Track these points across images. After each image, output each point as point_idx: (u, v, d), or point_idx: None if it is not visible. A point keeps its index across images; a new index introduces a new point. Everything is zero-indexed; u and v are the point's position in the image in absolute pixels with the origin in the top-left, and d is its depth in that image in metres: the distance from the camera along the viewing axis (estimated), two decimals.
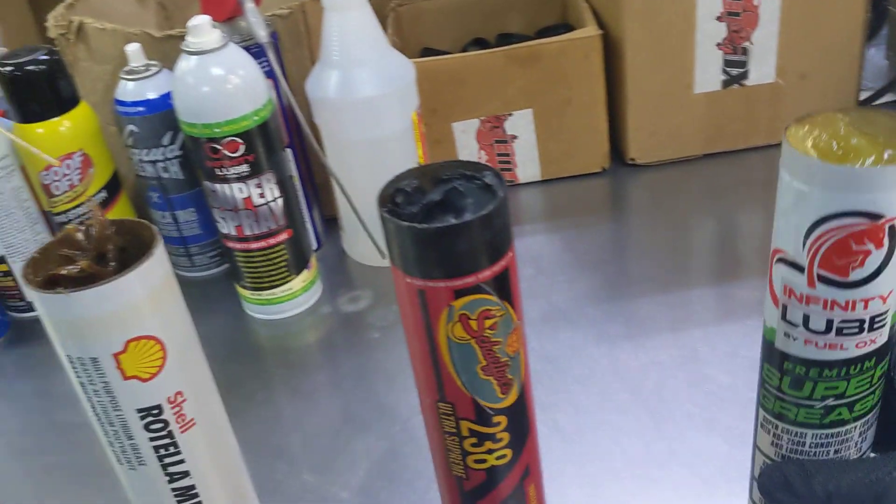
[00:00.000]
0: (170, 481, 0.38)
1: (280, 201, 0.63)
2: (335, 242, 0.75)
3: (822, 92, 0.77)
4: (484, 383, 0.35)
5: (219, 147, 0.60)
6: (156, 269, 0.35)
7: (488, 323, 0.33)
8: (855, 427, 0.34)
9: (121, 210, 0.70)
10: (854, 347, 0.31)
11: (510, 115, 0.76)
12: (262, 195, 0.62)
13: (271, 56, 0.64)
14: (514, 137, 0.77)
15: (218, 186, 0.61)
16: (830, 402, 0.33)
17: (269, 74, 0.65)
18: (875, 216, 0.28)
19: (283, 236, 0.64)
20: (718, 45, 0.74)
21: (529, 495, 0.40)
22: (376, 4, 0.65)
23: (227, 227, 0.63)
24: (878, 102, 0.81)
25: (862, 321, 0.31)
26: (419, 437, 0.53)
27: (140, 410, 0.36)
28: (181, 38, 0.60)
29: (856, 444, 0.34)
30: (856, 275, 0.30)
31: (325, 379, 0.62)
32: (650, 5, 0.71)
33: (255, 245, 0.64)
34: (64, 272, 0.35)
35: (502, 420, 0.36)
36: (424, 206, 0.34)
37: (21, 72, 0.63)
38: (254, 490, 0.45)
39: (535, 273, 0.68)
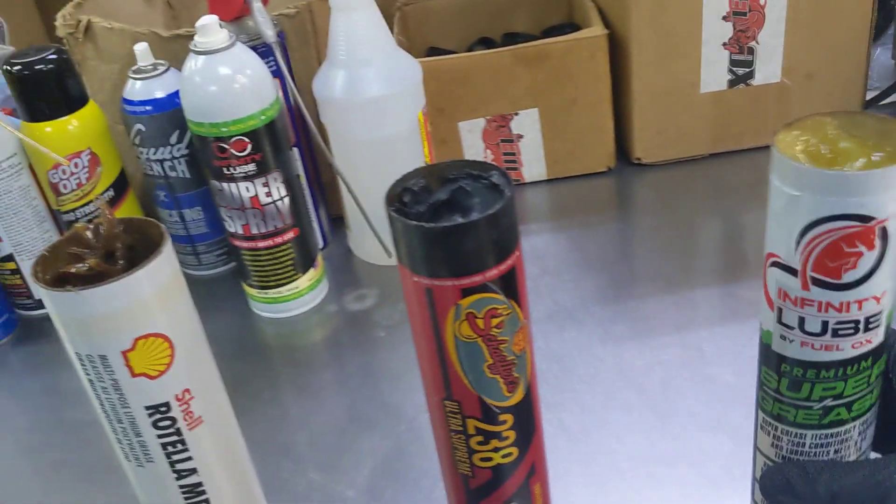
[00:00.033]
0: (177, 478, 0.39)
1: (287, 200, 0.63)
2: (341, 241, 0.76)
3: (829, 91, 0.76)
4: (490, 382, 0.35)
5: (226, 146, 0.60)
6: (164, 268, 0.35)
7: (495, 321, 0.34)
8: (854, 427, 0.34)
9: (128, 209, 0.71)
10: (850, 348, 0.32)
11: (516, 114, 0.76)
12: (268, 194, 0.62)
13: (278, 55, 0.64)
14: (520, 137, 0.77)
15: (225, 185, 0.62)
16: (829, 402, 0.33)
17: (277, 74, 0.65)
18: (866, 218, 0.29)
19: (290, 235, 0.65)
20: (725, 44, 0.74)
21: (535, 494, 0.40)
22: (382, 4, 0.65)
23: (233, 226, 0.64)
24: (884, 102, 0.81)
25: (857, 322, 0.31)
26: (425, 435, 0.53)
27: (148, 408, 0.36)
28: (189, 37, 0.60)
29: (855, 443, 0.34)
30: (849, 277, 0.30)
31: (331, 377, 0.63)
32: (656, 5, 0.71)
33: (261, 244, 0.64)
34: (73, 270, 0.35)
35: (508, 418, 0.36)
36: (431, 205, 0.34)
37: (30, 71, 0.64)
38: (260, 488, 0.45)
39: (541, 272, 0.68)
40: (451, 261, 0.32)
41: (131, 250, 0.37)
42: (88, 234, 0.37)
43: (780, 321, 0.32)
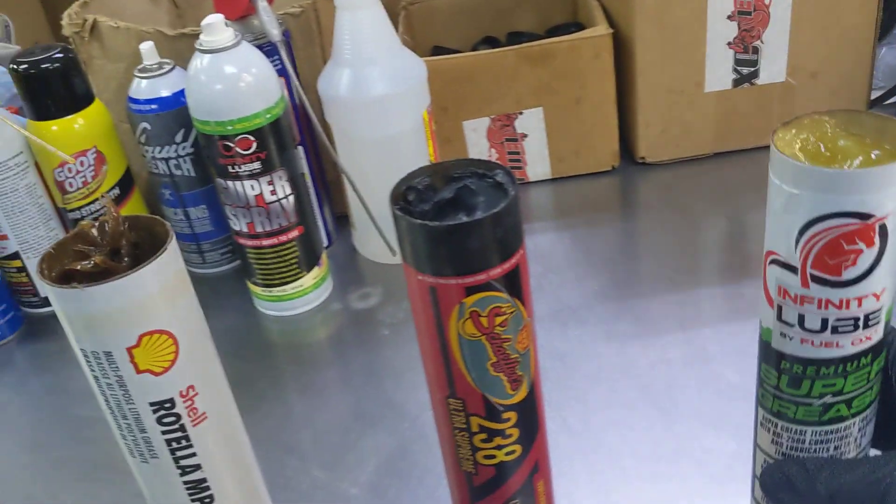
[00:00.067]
0: (182, 474, 0.39)
1: (291, 198, 0.63)
2: (346, 240, 0.76)
3: (834, 91, 0.76)
4: (494, 380, 0.35)
5: (231, 144, 0.60)
6: (169, 265, 0.35)
7: (499, 320, 0.34)
8: (854, 423, 0.34)
9: (133, 207, 0.71)
10: (850, 345, 0.32)
11: (521, 113, 0.76)
12: (273, 192, 0.62)
13: (283, 54, 0.64)
14: (525, 136, 0.77)
15: (230, 183, 0.62)
16: (828, 399, 0.33)
17: (282, 73, 0.65)
18: (865, 216, 0.29)
19: (295, 233, 0.65)
20: (729, 43, 0.74)
21: (538, 491, 0.40)
22: (387, 3, 0.65)
23: (238, 224, 0.64)
24: (889, 101, 0.81)
25: (857, 319, 0.31)
26: (428, 433, 0.54)
27: (153, 404, 0.36)
28: (194, 36, 0.61)
29: (855, 440, 0.34)
30: (848, 274, 0.30)
31: (335, 375, 0.63)
32: (661, 4, 0.71)
33: (266, 242, 0.64)
34: (78, 267, 0.36)
35: (512, 416, 0.36)
36: (436, 203, 0.34)
37: (36, 70, 0.64)
38: (264, 484, 0.45)
39: (545, 271, 0.68)
40: (455, 259, 0.32)
41: (136, 248, 0.37)
42: (94, 231, 0.37)
43: (779, 318, 0.32)
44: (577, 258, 0.70)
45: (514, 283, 0.33)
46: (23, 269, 0.70)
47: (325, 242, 0.73)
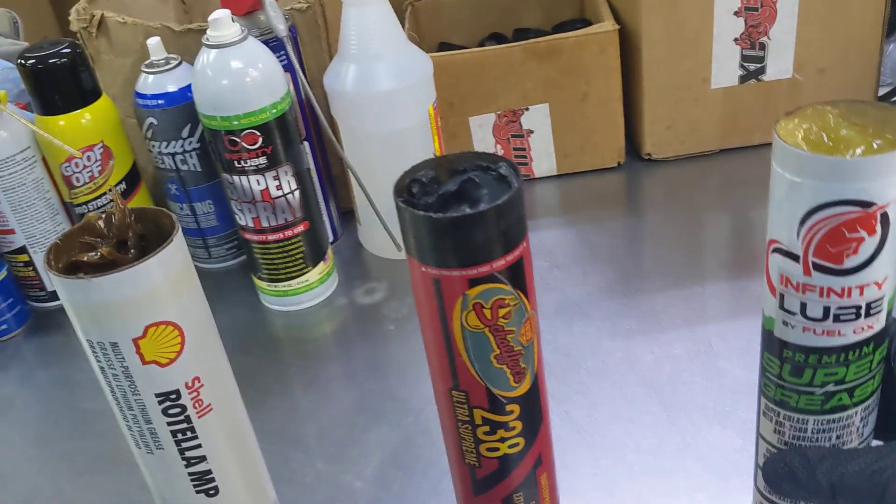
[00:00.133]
0: (187, 465, 0.39)
1: (297, 193, 0.64)
2: (351, 235, 0.76)
3: (841, 87, 0.76)
4: (497, 372, 0.35)
5: (237, 139, 0.60)
6: (175, 256, 0.35)
7: (502, 312, 0.34)
8: (856, 412, 0.34)
9: (140, 202, 0.71)
10: (852, 333, 0.32)
11: (526, 109, 0.76)
12: (279, 187, 0.62)
13: (290, 49, 0.65)
14: (531, 132, 0.77)
15: (236, 178, 0.62)
16: (830, 388, 0.33)
17: (288, 68, 0.65)
18: (867, 204, 0.29)
19: (300, 228, 0.65)
20: (736, 40, 0.73)
21: (541, 484, 0.40)
22: (394, 0, 0.65)
23: (244, 219, 0.64)
24: None
25: (858, 307, 0.31)
26: (432, 427, 0.54)
27: (158, 395, 0.37)
28: (201, 31, 0.61)
29: (857, 429, 0.35)
30: (850, 262, 0.30)
31: (340, 370, 0.63)
32: (668, 0, 0.71)
33: (272, 237, 0.64)
34: (85, 259, 0.36)
35: (515, 409, 0.36)
36: (440, 196, 0.34)
37: (43, 64, 0.64)
38: (269, 477, 0.46)
39: (550, 266, 0.68)
40: (458, 251, 0.32)
41: (143, 240, 0.38)
42: (101, 223, 0.37)
43: (781, 307, 0.33)
44: (583, 254, 0.70)
45: (518, 276, 0.34)
46: (30, 263, 0.70)
47: (330, 237, 0.74)
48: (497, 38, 0.86)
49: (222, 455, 0.40)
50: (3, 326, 0.70)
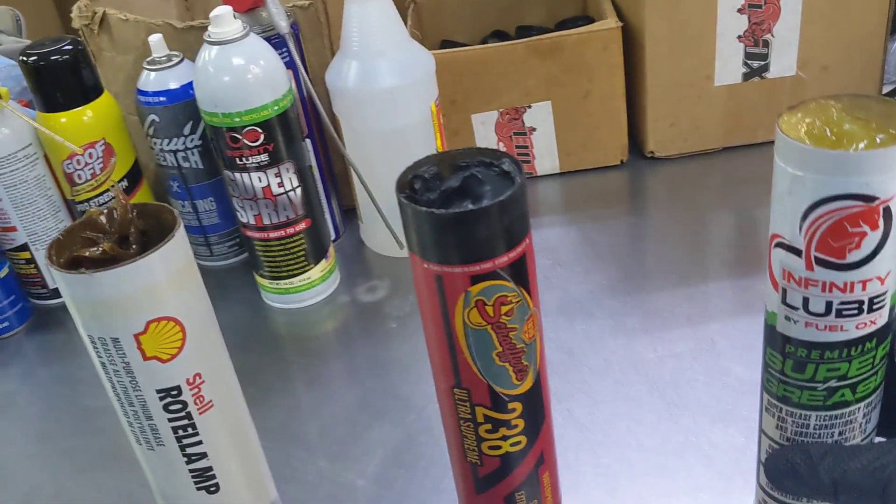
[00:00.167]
0: (187, 462, 0.39)
1: (299, 191, 0.64)
2: (353, 232, 0.76)
3: (844, 85, 0.76)
4: (499, 369, 0.35)
5: (239, 136, 0.60)
6: (176, 251, 0.35)
7: (504, 309, 0.34)
8: (858, 409, 0.34)
9: (141, 199, 0.71)
10: (854, 329, 0.32)
11: (529, 107, 0.76)
12: (280, 184, 0.62)
13: (292, 46, 0.64)
14: (533, 129, 0.77)
15: (237, 175, 0.62)
16: (833, 383, 0.33)
17: (290, 65, 0.65)
18: (869, 198, 0.29)
19: (302, 226, 0.65)
20: (739, 37, 0.73)
21: (544, 483, 0.40)
22: None
23: (246, 217, 0.64)
24: None
25: (861, 302, 0.31)
26: (434, 425, 0.53)
27: (159, 391, 0.37)
28: (203, 28, 0.61)
29: (860, 425, 0.34)
30: (853, 257, 0.30)
31: (341, 368, 0.63)
32: None
33: (273, 234, 0.64)
34: (87, 254, 0.36)
35: (517, 406, 0.36)
36: (443, 192, 0.34)
37: (45, 62, 0.64)
38: (270, 474, 0.45)
39: (553, 264, 0.68)
40: (461, 247, 0.32)
41: (145, 235, 0.37)
42: (102, 218, 0.37)
43: (784, 302, 0.32)
44: (585, 252, 0.69)
45: (521, 273, 0.33)
46: (31, 260, 0.70)
47: (332, 235, 0.73)
48: (499, 36, 0.86)
49: (223, 452, 0.40)
50: (5, 324, 0.70)
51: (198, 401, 0.37)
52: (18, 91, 0.75)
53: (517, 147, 0.78)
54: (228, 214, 0.71)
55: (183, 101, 0.66)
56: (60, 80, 0.65)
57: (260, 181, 0.62)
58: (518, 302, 0.34)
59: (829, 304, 0.31)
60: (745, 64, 0.75)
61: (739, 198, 0.74)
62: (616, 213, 0.75)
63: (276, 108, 0.60)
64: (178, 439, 0.38)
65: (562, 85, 0.75)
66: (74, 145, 0.64)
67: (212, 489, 0.40)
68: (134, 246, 0.37)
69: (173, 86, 0.66)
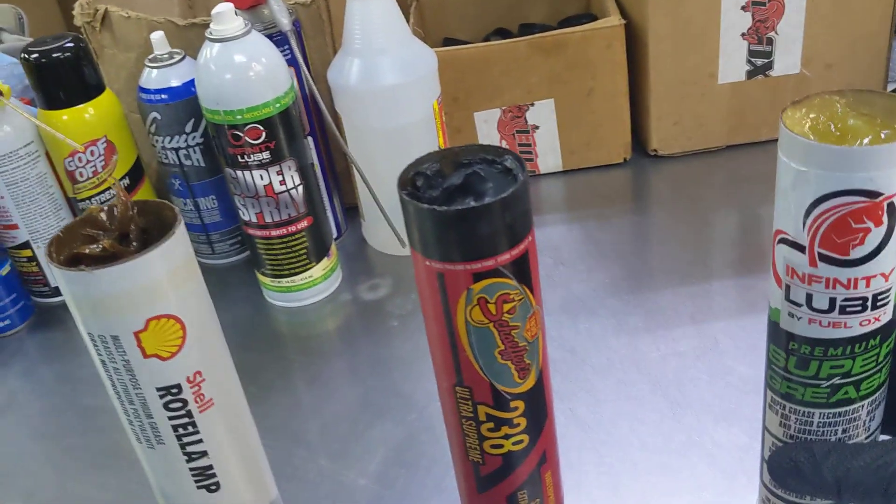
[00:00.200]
0: (188, 460, 0.39)
1: (301, 189, 0.63)
2: (355, 231, 0.76)
3: (848, 83, 0.75)
4: (502, 367, 0.35)
5: (240, 134, 0.60)
6: (177, 249, 0.35)
7: (507, 307, 0.33)
8: (862, 406, 0.34)
9: (143, 197, 0.71)
10: (858, 325, 0.31)
11: (532, 104, 0.76)
12: (282, 182, 0.62)
13: (293, 44, 0.64)
14: (536, 127, 0.77)
15: (239, 173, 0.62)
16: (837, 380, 0.33)
17: (292, 62, 0.65)
18: (873, 194, 0.29)
19: (304, 224, 0.65)
20: (743, 35, 0.73)
21: (546, 482, 0.40)
22: None
23: (247, 214, 0.64)
24: None
25: (865, 299, 0.31)
26: (436, 424, 0.53)
27: (159, 389, 0.36)
28: (205, 26, 0.61)
29: (864, 423, 0.34)
30: (856, 253, 0.30)
31: (343, 366, 0.63)
32: None
33: (275, 232, 0.64)
34: (87, 251, 0.36)
35: (520, 405, 0.36)
36: (445, 189, 0.34)
37: (47, 59, 0.64)
38: (271, 473, 0.45)
39: (556, 263, 0.67)
40: (463, 245, 0.32)
41: (145, 233, 0.37)
42: (103, 215, 0.37)
43: (787, 298, 0.32)
44: (588, 250, 0.69)
45: (523, 270, 0.33)
46: (33, 258, 0.70)
47: (334, 233, 0.73)
48: (502, 34, 0.86)
49: (224, 451, 0.40)
50: (7, 322, 0.69)
51: (198, 399, 0.37)
52: (21, 89, 0.75)
53: (520, 145, 0.78)
54: (230, 212, 0.71)
55: (185, 99, 0.66)
56: (62, 78, 0.65)
57: (262, 179, 0.62)
58: (520, 300, 0.33)
59: (832, 301, 0.31)
60: (749, 62, 0.74)
61: (743, 196, 0.73)
62: (619, 212, 0.75)
63: (277, 105, 0.60)
64: (179, 438, 0.38)
65: (565, 83, 0.74)
66: (76, 143, 0.63)
67: (212, 488, 0.40)
68: (134, 243, 0.36)
69: (175, 83, 0.66)
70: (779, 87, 0.75)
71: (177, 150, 0.68)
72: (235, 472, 0.41)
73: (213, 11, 0.59)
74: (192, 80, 0.64)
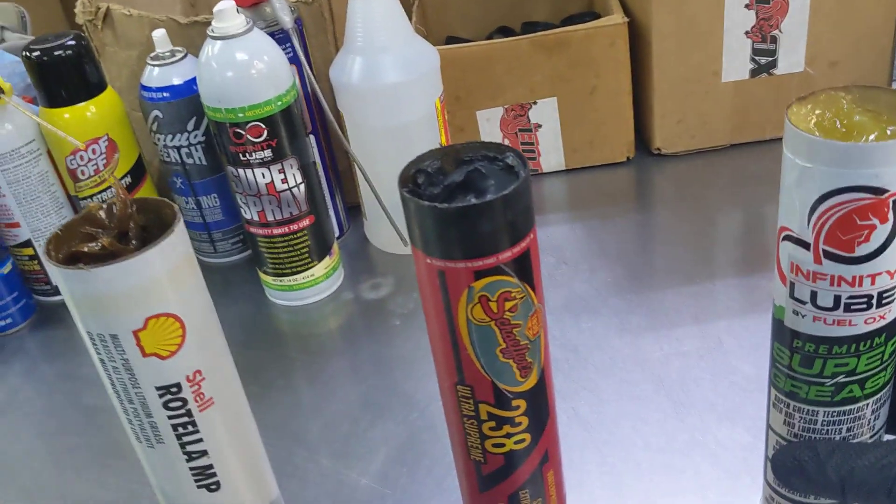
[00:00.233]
0: (188, 460, 0.39)
1: (302, 187, 0.63)
2: (357, 229, 0.75)
3: (853, 80, 0.74)
4: (503, 366, 0.35)
5: (242, 132, 0.60)
6: (176, 247, 0.35)
7: (508, 305, 0.33)
8: (867, 405, 0.33)
9: (145, 195, 0.71)
10: (863, 323, 0.31)
11: (535, 103, 0.75)
12: (284, 180, 0.62)
13: (295, 42, 0.64)
14: (539, 126, 0.77)
15: (241, 171, 0.61)
16: (841, 379, 0.33)
17: (293, 60, 0.65)
18: (879, 191, 0.28)
19: (306, 222, 0.64)
20: (747, 33, 0.73)
21: (548, 481, 0.39)
22: None
23: (249, 213, 0.64)
24: None
25: (870, 297, 0.31)
26: (438, 423, 0.53)
27: (159, 388, 0.36)
28: (206, 24, 0.60)
29: (868, 422, 0.34)
30: (861, 250, 0.30)
31: (345, 365, 0.62)
32: None
33: (277, 231, 0.64)
34: (85, 249, 0.35)
35: (521, 404, 0.36)
36: (446, 186, 0.33)
37: (49, 57, 0.64)
38: (272, 472, 0.45)
39: (558, 262, 0.67)
40: (464, 242, 0.32)
41: (144, 231, 0.37)
42: (102, 213, 0.37)
43: (792, 296, 0.32)
44: (591, 249, 0.69)
45: (525, 268, 0.33)
46: (35, 256, 0.70)
47: (336, 232, 0.73)
48: (505, 32, 0.85)
49: (224, 450, 0.39)
50: (8, 320, 0.69)
51: (198, 398, 0.37)
52: (23, 87, 0.75)
53: (522, 144, 0.78)
54: (232, 211, 0.71)
55: (186, 97, 0.66)
56: (64, 76, 0.65)
57: (263, 177, 0.61)
58: (522, 298, 0.33)
59: (837, 299, 0.31)
60: (753, 60, 0.74)
61: (747, 195, 0.73)
62: (622, 211, 0.74)
63: (279, 103, 0.60)
64: (179, 437, 0.38)
65: (568, 81, 0.74)
66: (77, 141, 0.63)
67: (212, 487, 0.40)
68: (133, 241, 0.36)
69: (177, 81, 0.66)
70: (783, 85, 0.75)
71: (178, 148, 0.68)
72: (236, 472, 0.40)
73: (215, 9, 0.58)
74: (194, 78, 0.63)
